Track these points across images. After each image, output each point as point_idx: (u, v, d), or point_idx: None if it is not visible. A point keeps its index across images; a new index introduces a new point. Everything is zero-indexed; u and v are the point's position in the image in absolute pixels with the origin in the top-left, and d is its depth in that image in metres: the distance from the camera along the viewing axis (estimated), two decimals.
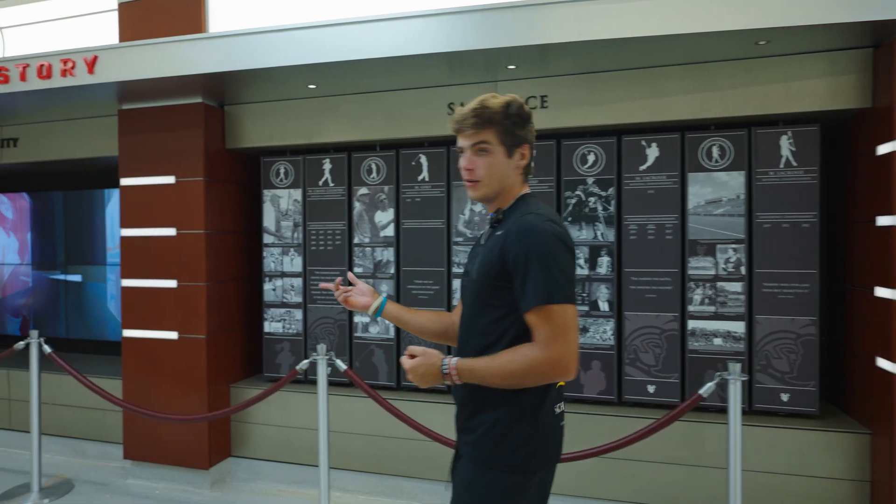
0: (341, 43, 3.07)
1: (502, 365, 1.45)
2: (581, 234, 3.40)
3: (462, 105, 2.06)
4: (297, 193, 3.91)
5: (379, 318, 1.97)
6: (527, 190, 1.64)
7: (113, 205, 4.77)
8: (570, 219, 3.41)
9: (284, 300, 3.94)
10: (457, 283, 3.61)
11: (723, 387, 2.61)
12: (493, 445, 1.52)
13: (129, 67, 3.32)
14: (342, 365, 3.11)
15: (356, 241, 3.80)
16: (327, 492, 3.12)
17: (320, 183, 3.86)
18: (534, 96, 3.32)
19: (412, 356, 1.54)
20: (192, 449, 3.75)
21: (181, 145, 3.73)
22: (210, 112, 3.76)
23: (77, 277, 4.98)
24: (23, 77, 3.47)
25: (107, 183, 4.89)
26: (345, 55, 3.06)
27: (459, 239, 3.60)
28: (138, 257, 3.85)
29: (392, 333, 3.73)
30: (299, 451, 3.77)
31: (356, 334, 3.80)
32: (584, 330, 3.40)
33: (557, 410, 1.58)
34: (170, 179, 3.76)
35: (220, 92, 3.68)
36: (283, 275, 3.95)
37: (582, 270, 3.39)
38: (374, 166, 3.75)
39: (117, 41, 3.83)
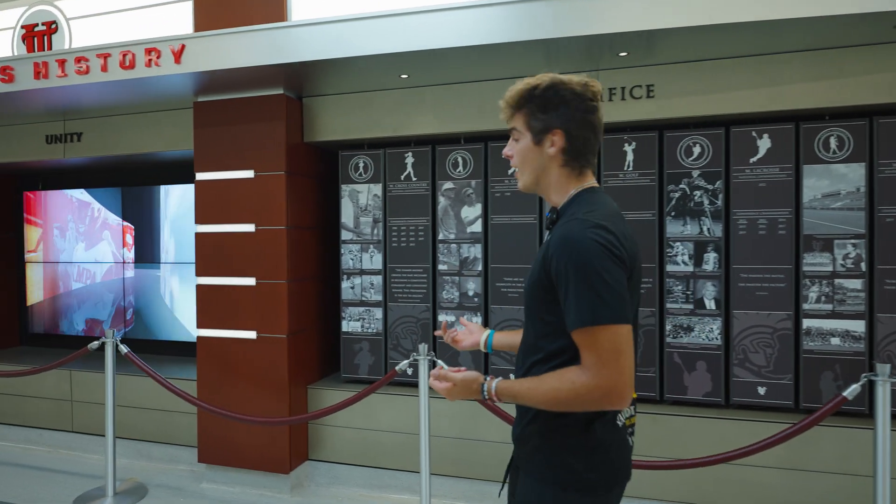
0: (434, 30, 2.94)
1: (546, 393, 1.31)
2: (685, 229, 3.25)
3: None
4: (377, 188, 3.79)
5: (490, 351, 1.88)
6: (587, 185, 1.45)
7: (169, 201, 4.65)
8: (672, 213, 3.27)
9: (363, 298, 3.81)
10: None
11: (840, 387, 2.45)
12: (547, 461, 1.39)
13: (216, 57, 3.19)
14: (444, 365, 2.97)
15: (441, 237, 3.67)
16: (428, 499, 2.98)
17: (402, 177, 3.73)
18: (639, 85, 3.19)
19: (441, 378, 1.48)
20: (272, 452, 3.62)
21: (261, 138, 3.61)
22: (290, 104, 3.64)
23: (129, 275, 4.87)
24: (104, 68, 3.35)
25: (163, 179, 4.78)
26: (438, 43, 2.94)
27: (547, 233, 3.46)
28: (214, 254, 3.73)
29: None
30: (382, 454, 3.64)
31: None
32: (689, 329, 3.25)
33: (621, 422, 1.41)
34: (248, 174, 3.64)
35: (300, 83, 3.56)
36: (362, 272, 3.82)
37: (686, 267, 3.25)
38: (460, 160, 3.62)
39: (191, 31, 3.71)
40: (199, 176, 3.76)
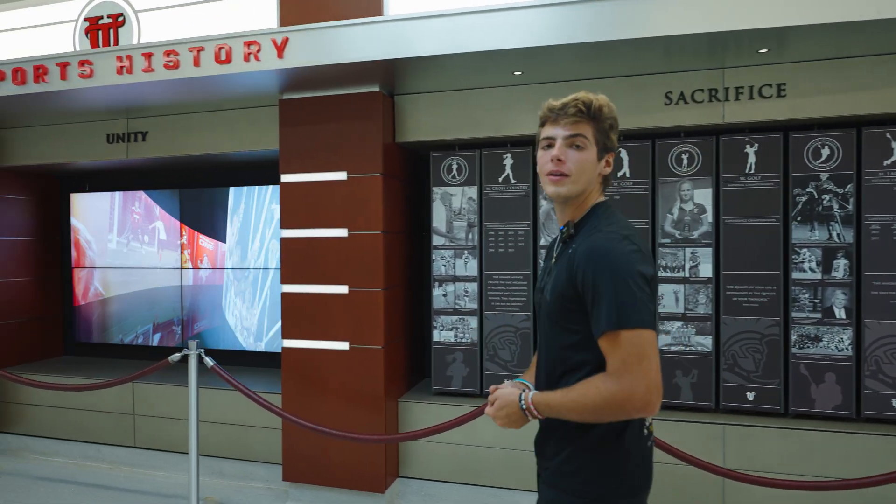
0: (553, 26, 2.77)
1: (575, 399, 1.33)
2: (813, 234, 3.11)
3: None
4: (471, 191, 3.60)
5: None
6: (602, 198, 1.52)
7: (234, 204, 4.44)
8: (799, 218, 3.12)
9: (457, 307, 3.63)
10: (663, 288, 3.31)
11: None
12: (580, 475, 1.41)
13: (322, 51, 3.00)
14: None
15: (542, 242, 3.50)
16: None
17: (500, 179, 3.56)
18: (769, 84, 3.04)
19: (492, 402, 1.50)
20: (366, 470, 3.42)
21: (355, 138, 3.41)
22: (385, 102, 3.45)
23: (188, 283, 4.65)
24: (196, 62, 3.14)
25: (229, 181, 4.56)
26: (552, 39, 2.77)
27: (667, 240, 3.31)
28: (302, 261, 3.52)
29: None
30: (482, 471, 3.45)
31: None
32: (817, 339, 3.11)
33: (645, 431, 1.44)
34: (341, 175, 3.45)
35: (393, 80, 3.37)
36: (456, 279, 3.63)
37: (814, 274, 3.11)
38: None
39: (275, 25, 3.51)
40: (285, 178, 3.56)
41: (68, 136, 4.28)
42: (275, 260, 4.30)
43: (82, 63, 3.32)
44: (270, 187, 4.32)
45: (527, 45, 2.78)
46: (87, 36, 3.99)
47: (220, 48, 3.09)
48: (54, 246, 5.05)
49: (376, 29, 2.92)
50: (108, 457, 4.28)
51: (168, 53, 3.17)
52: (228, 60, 3.09)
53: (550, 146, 1.47)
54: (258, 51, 3.04)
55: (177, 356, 3.41)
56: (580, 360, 1.40)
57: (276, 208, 4.28)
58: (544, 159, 1.48)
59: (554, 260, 1.53)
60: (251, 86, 3.41)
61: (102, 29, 3.94)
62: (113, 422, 4.24)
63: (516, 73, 3.20)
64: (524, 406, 1.41)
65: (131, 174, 4.92)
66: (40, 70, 3.41)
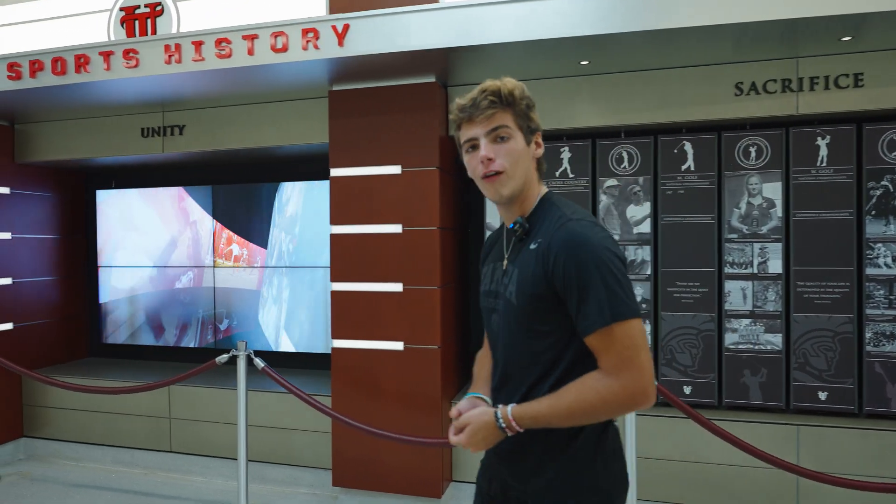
0: (624, 13, 2.67)
1: (570, 405, 1.24)
2: (888, 229, 3.02)
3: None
4: None
5: None
6: (545, 189, 1.44)
7: (280, 201, 4.31)
8: (873, 212, 3.03)
9: None
10: (729, 285, 3.22)
11: None
12: (569, 487, 1.32)
13: (383, 39, 2.88)
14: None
15: None
16: None
17: (557, 174, 3.45)
18: (845, 74, 2.94)
19: (459, 429, 1.36)
20: (422, 474, 3.31)
21: (411, 130, 3.30)
22: (440, 93, 3.34)
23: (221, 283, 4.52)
24: (251, 51, 3.01)
25: (260, 176, 4.44)
26: (625, 27, 2.67)
27: (733, 236, 3.21)
28: (353, 258, 3.40)
29: (649, 341, 3.32)
30: None
31: None
32: (893, 337, 3.02)
33: (614, 426, 1.40)
34: (395, 169, 3.33)
35: (447, 70, 3.26)
36: None
37: (890, 270, 3.02)
38: (625, 154, 3.35)
39: (324, 13, 3.38)
40: (335, 172, 3.43)
41: (100, 130, 4.13)
42: (305, 257, 4.18)
43: (127, 52, 3.19)
44: (302, 183, 4.20)
45: (602, 32, 2.68)
46: (122, 26, 3.86)
47: (277, 36, 2.97)
48: (78, 244, 4.90)
49: (443, 15, 2.81)
50: (142, 462, 4.14)
51: (220, 42, 3.04)
52: (285, 49, 2.96)
53: (475, 147, 1.37)
54: (316, 38, 2.92)
55: (224, 357, 3.27)
56: (552, 359, 1.31)
57: (312, 204, 4.17)
58: (473, 163, 1.38)
59: (506, 261, 1.42)
60: (300, 76, 3.29)
61: (139, 18, 3.80)
62: (148, 425, 4.10)
63: (583, 63, 3.09)
64: (503, 425, 1.29)
65: (158, 170, 4.78)
66: (82, 59, 3.28)
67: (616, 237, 3.33)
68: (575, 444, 1.31)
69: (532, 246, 1.33)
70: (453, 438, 1.37)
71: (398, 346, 3.34)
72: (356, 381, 3.41)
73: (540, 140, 1.41)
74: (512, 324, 1.36)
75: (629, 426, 2.68)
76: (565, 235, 1.27)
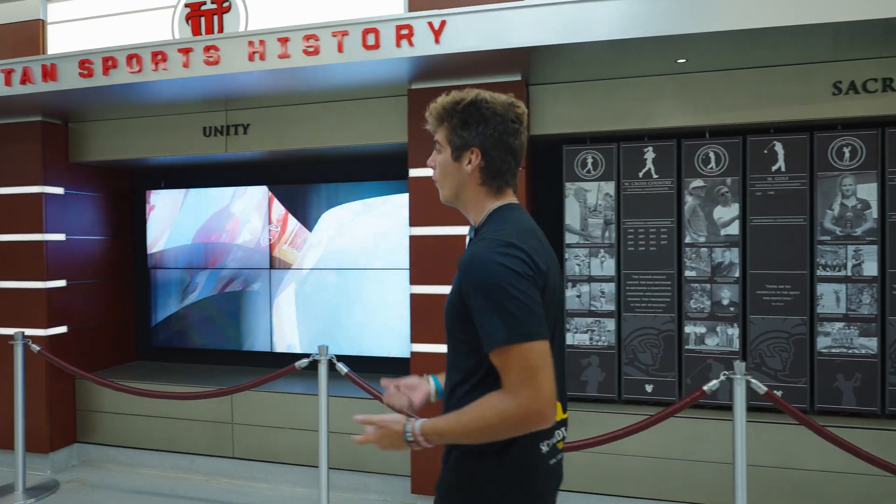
0: (720, 12, 2.61)
1: (468, 424, 1.27)
2: None
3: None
4: (608, 186, 3.43)
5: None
6: (504, 202, 1.43)
7: (322, 201, 4.23)
8: None
9: (592, 308, 3.45)
10: (822, 288, 3.16)
11: None
12: (461, 489, 1.37)
13: (481, 35, 2.81)
14: (761, 386, 2.63)
15: (688, 240, 3.33)
16: None
17: (640, 174, 3.39)
18: None
19: (366, 422, 1.39)
20: None
21: None
22: (524, 92, 3.27)
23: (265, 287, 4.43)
24: (340, 48, 2.94)
25: (331, 177, 4.35)
26: (728, 24, 2.61)
27: (826, 238, 3.15)
28: (433, 260, 3.33)
29: (737, 345, 3.26)
30: (626, 482, 3.28)
31: (688, 346, 3.33)
32: None
33: (548, 447, 1.37)
34: None
35: (530, 69, 3.19)
36: (591, 279, 3.46)
37: None
38: (712, 155, 3.29)
39: (403, 10, 3.31)
40: (415, 172, 3.36)
41: (159, 130, 4.04)
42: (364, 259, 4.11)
43: (208, 49, 3.11)
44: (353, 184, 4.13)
45: (716, 30, 2.61)
46: (188, 23, 3.77)
47: (367, 33, 2.89)
48: (127, 246, 4.81)
49: (545, 12, 2.73)
50: (203, 468, 4.05)
51: (308, 38, 2.96)
52: (377, 46, 2.89)
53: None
54: (411, 35, 2.85)
55: (304, 362, 3.20)
56: (470, 366, 1.34)
57: (372, 206, 4.10)
58: None
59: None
60: (382, 74, 3.22)
61: (205, 15, 3.72)
62: (209, 431, 4.01)
63: (680, 62, 3.03)
64: (410, 438, 1.32)
65: (205, 170, 4.68)
66: (159, 56, 3.19)
67: (702, 239, 3.28)
68: (478, 448, 1.32)
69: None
70: (358, 437, 1.40)
71: None
72: None
73: (475, 157, 1.39)
74: (445, 328, 1.43)
75: (738, 432, 2.61)
76: (468, 254, 1.31)
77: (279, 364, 3.52)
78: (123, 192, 4.80)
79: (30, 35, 4.05)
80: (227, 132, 3.92)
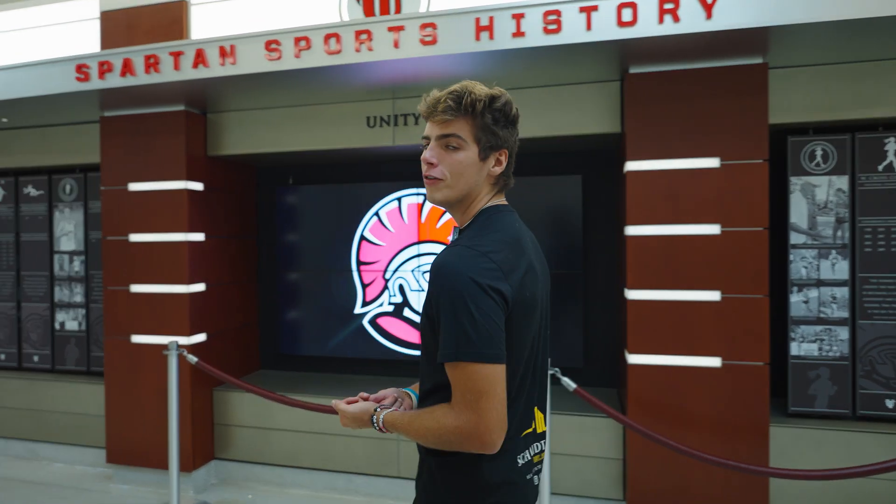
0: None
1: (419, 429, 1.26)
2: None
3: None
4: (841, 181, 3.12)
5: None
6: (496, 202, 1.36)
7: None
8: None
9: (822, 315, 3.14)
10: None
11: None
12: (431, 497, 1.32)
13: (757, 10, 2.49)
14: None
15: None
16: None
17: (880, 168, 3.08)
18: None
19: (336, 406, 1.44)
20: None
21: (730, 118, 2.91)
22: (763, 77, 2.95)
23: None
24: (588, 25, 2.61)
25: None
26: None
27: None
28: (656, 262, 3.01)
29: None
30: None
31: None
32: None
33: (525, 460, 1.31)
34: (712, 162, 2.94)
35: (765, 51, 2.88)
36: (820, 283, 3.14)
37: None
38: None
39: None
40: (632, 165, 3.04)
41: (315, 120, 3.72)
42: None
43: (392, 30, 2.78)
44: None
45: None
46: (359, 3, 3.45)
47: (623, 7, 2.57)
48: (251, 248, 4.48)
49: None
50: (363, 488, 3.72)
51: (548, 14, 2.64)
52: (634, 21, 2.57)
53: (428, 146, 1.33)
54: (676, 8, 2.53)
55: None
56: (434, 379, 1.29)
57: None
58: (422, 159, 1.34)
59: None
60: (599, 56, 2.90)
61: None
62: (370, 448, 3.68)
63: None
64: (376, 426, 1.36)
65: (339, 167, 4.35)
66: (332, 39, 2.87)
67: None
68: (451, 458, 1.28)
69: None
70: (336, 402, 1.43)
71: (714, 362, 2.95)
72: (656, 401, 3.02)
73: (504, 157, 1.33)
74: (420, 335, 1.39)
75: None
76: (441, 258, 1.24)
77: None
78: (249, 189, 4.46)
79: (172, 17, 3.72)
80: (394, 122, 3.59)
